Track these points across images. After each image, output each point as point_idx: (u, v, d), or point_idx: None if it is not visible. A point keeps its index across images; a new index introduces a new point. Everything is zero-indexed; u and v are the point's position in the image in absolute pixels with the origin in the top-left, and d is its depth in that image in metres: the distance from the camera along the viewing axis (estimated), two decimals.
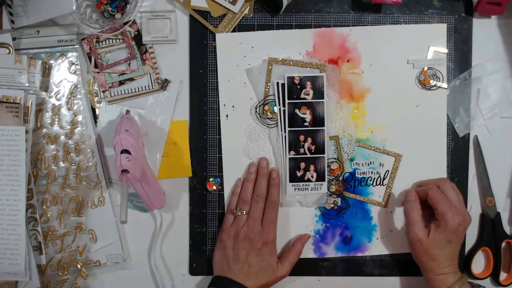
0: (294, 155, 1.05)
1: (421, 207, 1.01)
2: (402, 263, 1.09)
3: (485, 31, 1.08)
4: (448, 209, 0.97)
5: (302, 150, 1.04)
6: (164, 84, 1.06)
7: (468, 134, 1.08)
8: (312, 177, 1.05)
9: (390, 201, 1.08)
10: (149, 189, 0.98)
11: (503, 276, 1.09)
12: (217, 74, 1.07)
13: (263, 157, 1.07)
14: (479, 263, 1.10)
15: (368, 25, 1.07)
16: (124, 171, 0.91)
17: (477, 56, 1.08)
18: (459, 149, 1.08)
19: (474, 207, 1.09)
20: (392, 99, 1.07)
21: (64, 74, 1.06)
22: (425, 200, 1.01)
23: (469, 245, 1.10)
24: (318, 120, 1.04)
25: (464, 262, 1.09)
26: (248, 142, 1.07)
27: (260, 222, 1.03)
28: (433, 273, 0.99)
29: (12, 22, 1.03)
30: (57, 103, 1.05)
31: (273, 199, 1.04)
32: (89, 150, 1.06)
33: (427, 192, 1.01)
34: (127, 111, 1.06)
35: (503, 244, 1.08)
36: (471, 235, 1.09)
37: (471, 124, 1.08)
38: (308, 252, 1.09)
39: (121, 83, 1.06)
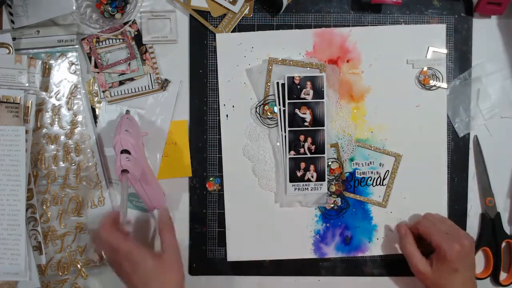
0: (294, 155, 1.05)
1: (417, 240, 1.03)
2: (402, 263, 1.08)
3: (485, 31, 1.08)
4: (442, 239, 0.96)
5: (302, 150, 1.04)
6: (164, 84, 1.06)
7: (468, 134, 1.08)
8: (312, 177, 1.05)
9: (390, 201, 1.08)
10: (149, 189, 0.98)
11: (503, 276, 1.09)
12: (217, 74, 1.07)
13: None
14: (479, 263, 1.09)
15: (368, 25, 1.07)
16: (124, 171, 0.91)
17: (477, 56, 1.08)
18: (459, 149, 1.08)
19: (474, 207, 1.09)
20: (392, 99, 1.07)
21: (64, 74, 1.06)
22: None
23: None
24: (318, 120, 1.04)
25: None
26: (248, 142, 1.07)
27: None
28: None
29: (12, 22, 1.03)
30: (57, 103, 1.05)
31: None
32: (89, 150, 1.06)
33: (417, 228, 1.02)
34: (127, 111, 1.06)
35: (503, 244, 1.08)
36: (471, 235, 1.09)
37: (471, 124, 1.08)
38: (308, 252, 1.09)
39: (121, 83, 1.06)
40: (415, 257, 1.00)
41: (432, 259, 0.98)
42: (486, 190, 1.08)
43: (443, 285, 0.96)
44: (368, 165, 1.08)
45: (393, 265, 1.09)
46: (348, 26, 1.07)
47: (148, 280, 0.91)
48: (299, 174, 1.05)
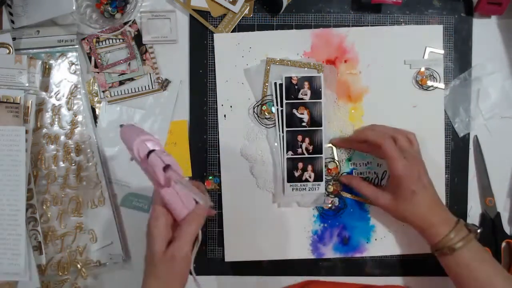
0: (292, 155, 1.04)
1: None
2: (402, 263, 1.09)
3: (485, 31, 1.08)
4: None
5: (299, 150, 1.04)
6: (164, 84, 1.06)
7: (468, 134, 1.08)
8: (310, 177, 1.04)
9: None
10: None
11: None
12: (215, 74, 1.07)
13: None
14: None
15: (368, 25, 1.07)
16: (167, 166, 0.79)
17: (477, 56, 1.08)
18: (459, 149, 1.08)
19: (474, 207, 1.09)
20: (390, 99, 1.07)
21: (64, 74, 1.06)
22: None
23: None
24: (316, 120, 1.04)
25: None
26: (246, 142, 1.06)
27: None
28: (424, 230, 0.96)
29: (12, 22, 1.04)
30: (57, 103, 1.06)
31: None
32: (89, 150, 1.06)
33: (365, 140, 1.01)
34: (121, 125, 0.90)
35: (503, 244, 1.08)
36: None
37: (471, 124, 1.07)
38: (306, 253, 1.08)
39: (121, 83, 1.06)
40: (375, 194, 1.00)
41: (389, 190, 0.99)
42: (486, 190, 1.08)
43: (410, 210, 0.96)
44: (366, 165, 1.07)
45: (393, 265, 1.09)
46: (348, 26, 1.07)
47: None
48: (296, 174, 1.04)
